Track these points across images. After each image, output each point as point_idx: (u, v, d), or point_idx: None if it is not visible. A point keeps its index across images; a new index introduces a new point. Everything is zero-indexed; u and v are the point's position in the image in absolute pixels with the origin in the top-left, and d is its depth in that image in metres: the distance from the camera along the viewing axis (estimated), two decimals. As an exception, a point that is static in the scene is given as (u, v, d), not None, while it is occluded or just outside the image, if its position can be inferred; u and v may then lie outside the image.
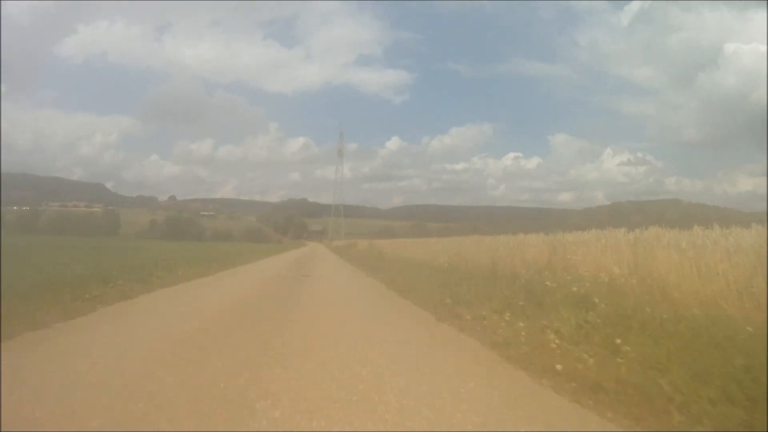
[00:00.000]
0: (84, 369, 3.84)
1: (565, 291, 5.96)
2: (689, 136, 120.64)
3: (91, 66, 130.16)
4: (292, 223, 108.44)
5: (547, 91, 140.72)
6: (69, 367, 3.91)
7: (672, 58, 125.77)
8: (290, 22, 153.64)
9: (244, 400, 3.24)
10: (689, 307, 4.69)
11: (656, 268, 5.78)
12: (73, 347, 4.60)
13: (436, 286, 9.25)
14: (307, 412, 3.07)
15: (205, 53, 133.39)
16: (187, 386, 3.49)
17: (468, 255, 13.21)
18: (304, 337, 5.36)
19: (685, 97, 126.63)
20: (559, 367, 3.91)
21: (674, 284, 5.33)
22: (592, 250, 7.63)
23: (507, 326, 5.49)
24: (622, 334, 4.26)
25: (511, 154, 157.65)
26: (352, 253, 35.44)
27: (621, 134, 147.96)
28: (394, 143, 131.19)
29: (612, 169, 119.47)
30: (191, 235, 56.56)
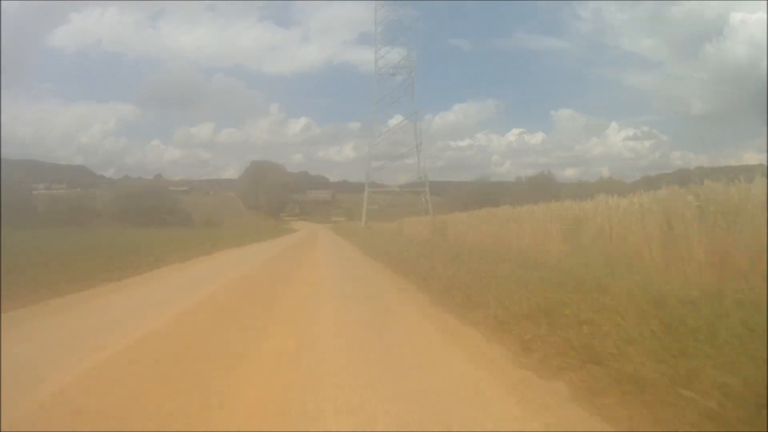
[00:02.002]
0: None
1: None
2: (696, 108, 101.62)
3: (86, 55, 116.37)
4: (261, 189, 66.07)
5: (550, 65, 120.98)
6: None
7: (677, 28, 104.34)
8: (287, 2, 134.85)
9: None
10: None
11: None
12: None
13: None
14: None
15: (202, 38, 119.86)
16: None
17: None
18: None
19: (691, 68, 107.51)
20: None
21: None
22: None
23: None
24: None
25: (515, 130, 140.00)
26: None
27: (626, 108, 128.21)
28: (396, 121, 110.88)
29: (617, 144, 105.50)
30: (19, 218, 28.90)
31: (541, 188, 45.33)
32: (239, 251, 17.78)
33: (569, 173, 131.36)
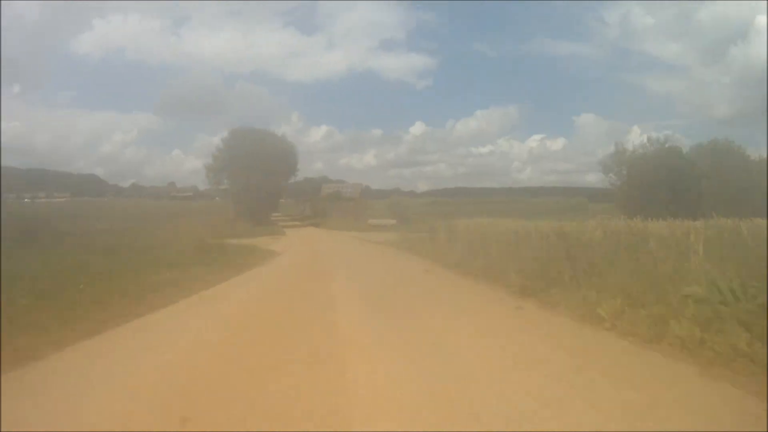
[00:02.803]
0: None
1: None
2: (721, 112, 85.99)
3: (108, 63, 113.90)
4: (242, 171, 37.58)
5: (572, 70, 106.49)
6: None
7: (702, 32, 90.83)
8: (310, 9, 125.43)
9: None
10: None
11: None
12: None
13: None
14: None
15: (224, 44, 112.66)
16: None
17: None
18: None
19: (717, 72, 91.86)
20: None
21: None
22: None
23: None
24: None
25: (537, 136, 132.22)
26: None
27: (649, 113, 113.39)
28: (418, 128, 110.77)
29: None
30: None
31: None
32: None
33: (591, 178, 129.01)
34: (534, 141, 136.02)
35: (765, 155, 36.74)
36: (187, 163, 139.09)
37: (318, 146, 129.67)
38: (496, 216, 15.35)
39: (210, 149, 41.57)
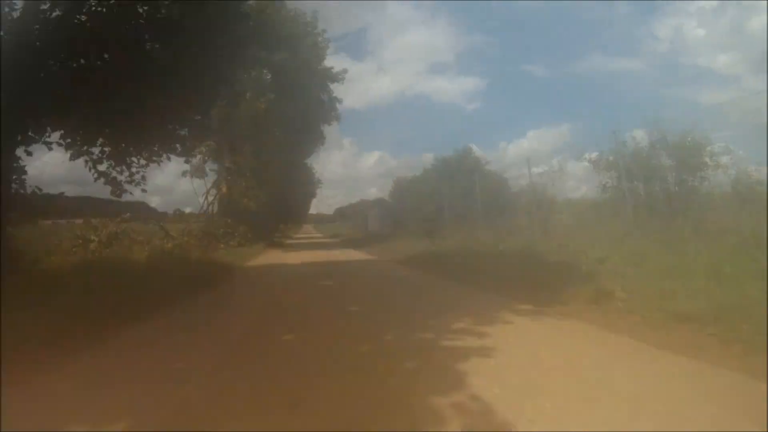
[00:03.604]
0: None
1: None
2: None
3: None
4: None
5: (623, 86, 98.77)
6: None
7: (753, 42, 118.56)
8: (360, 35, 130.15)
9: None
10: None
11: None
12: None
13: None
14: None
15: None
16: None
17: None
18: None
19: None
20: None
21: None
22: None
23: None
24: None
25: (591, 154, 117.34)
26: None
27: (702, 125, 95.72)
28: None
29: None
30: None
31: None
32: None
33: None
34: (588, 159, 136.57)
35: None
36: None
37: (371, 172, 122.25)
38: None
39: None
